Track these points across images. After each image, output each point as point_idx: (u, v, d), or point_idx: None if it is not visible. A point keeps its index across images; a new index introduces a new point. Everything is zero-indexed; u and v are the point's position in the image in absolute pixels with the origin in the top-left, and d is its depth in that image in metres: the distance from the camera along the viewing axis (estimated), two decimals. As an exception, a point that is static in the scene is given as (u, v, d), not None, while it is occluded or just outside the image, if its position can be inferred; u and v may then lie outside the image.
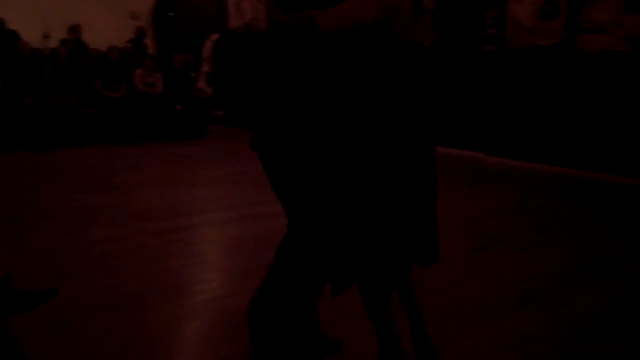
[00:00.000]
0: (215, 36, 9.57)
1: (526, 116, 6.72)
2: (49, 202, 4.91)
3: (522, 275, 3.40)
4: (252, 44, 9.22)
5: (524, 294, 3.13)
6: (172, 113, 8.74)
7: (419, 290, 2.20)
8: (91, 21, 9.57)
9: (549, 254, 3.79)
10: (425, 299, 2.27)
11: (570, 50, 6.30)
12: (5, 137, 7.41)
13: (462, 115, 7.28)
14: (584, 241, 4.09)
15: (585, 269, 3.55)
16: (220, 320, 2.81)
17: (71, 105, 7.99)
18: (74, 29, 9.39)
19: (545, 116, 6.55)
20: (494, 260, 3.68)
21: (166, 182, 5.81)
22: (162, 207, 4.79)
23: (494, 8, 6.92)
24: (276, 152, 2.06)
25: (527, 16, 6.62)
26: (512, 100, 6.85)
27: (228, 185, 5.71)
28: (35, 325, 2.56)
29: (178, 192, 5.33)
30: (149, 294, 3.02)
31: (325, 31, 1.82)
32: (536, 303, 3.04)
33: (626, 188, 5.76)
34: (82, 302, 2.89)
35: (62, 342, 2.52)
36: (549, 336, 2.67)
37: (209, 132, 9.20)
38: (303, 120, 2.00)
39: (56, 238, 3.96)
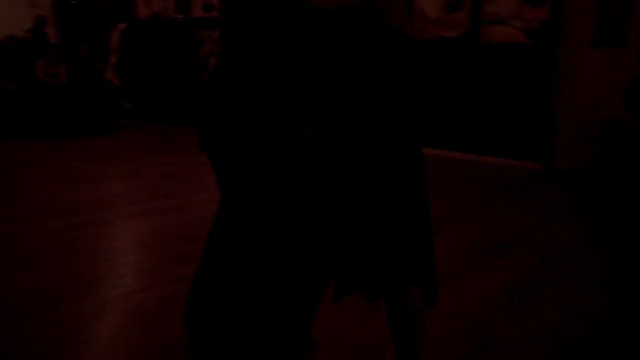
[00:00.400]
0: (122, 26, 9.25)
1: (433, 105, 6.93)
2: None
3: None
4: (161, 34, 8.98)
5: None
6: (79, 106, 8.38)
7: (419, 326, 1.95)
8: (-15, 9, 9.04)
9: (453, 237, 3.95)
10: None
11: (473, 42, 6.55)
12: None
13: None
14: (484, 224, 4.28)
15: (487, 250, 3.72)
16: (134, 314, 2.74)
17: (-33, 99, 7.50)
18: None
19: (451, 105, 6.79)
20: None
21: (72, 177, 5.56)
22: (67, 203, 4.59)
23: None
24: (233, 154, 1.83)
25: (433, 8, 6.81)
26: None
27: (137, 180, 5.55)
28: None
29: (85, 188, 5.12)
30: (58, 292, 2.90)
31: (316, 11, 1.67)
32: (441, 286, 3.15)
33: (526, 171, 6.09)
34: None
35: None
36: (457, 316, 2.78)
37: (119, 125, 8.91)
38: (270, 119, 1.77)
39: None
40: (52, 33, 10.24)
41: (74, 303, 2.80)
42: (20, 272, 3.16)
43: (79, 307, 2.76)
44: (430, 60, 6.88)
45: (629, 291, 3.16)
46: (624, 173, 5.02)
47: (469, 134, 6.70)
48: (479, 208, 4.75)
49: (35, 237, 3.71)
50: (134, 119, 9.34)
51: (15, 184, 5.25)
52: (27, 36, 9.16)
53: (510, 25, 6.30)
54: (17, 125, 7.84)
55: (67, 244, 3.64)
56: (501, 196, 5.16)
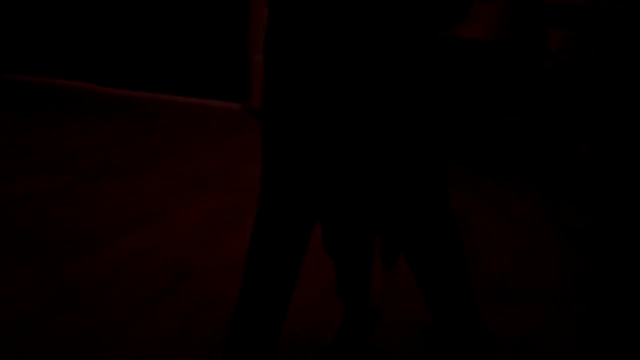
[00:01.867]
0: None
1: (135, 46, 6.70)
2: None
3: (139, 198, 3.51)
4: None
5: (139, 215, 3.24)
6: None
7: None
8: None
9: (156, 176, 3.97)
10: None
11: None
12: None
13: (69, 44, 6.89)
14: (187, 164, 4.38)
15: (190, 187, 3.82)
16: None
17: None
18: None
19: (146, 44, 6.64)
20: (109, 188, 3.68)
21: None
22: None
23: None
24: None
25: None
26: (118, 30, 6.73)
27: None
28: None
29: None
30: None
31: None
32: (147, 224, 3.17)
33: (228, 111, 6.33)
34: None
35: None
36: (161, 250, 2.83)
37: None
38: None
39: None
40: None
41: None
42: None
43: None
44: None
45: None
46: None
47: (169, 75, 6.66)
48: (184, 147, 4.80)
49: None
50: None
51: None
52: None
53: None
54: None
55: None
56: (205, 135, 5.28)
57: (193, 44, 6.54)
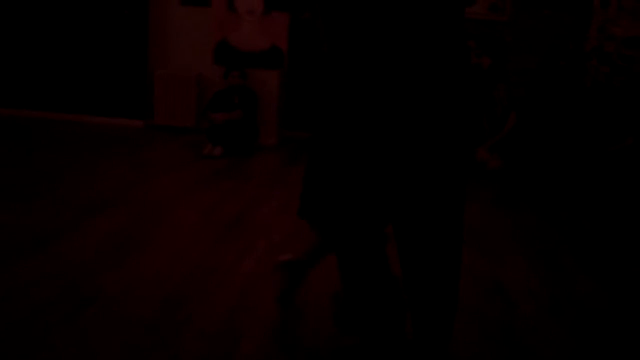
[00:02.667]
0: None
1: (24, 63, 6.38)
2: None
3: (34, 221, 3.33)
4: None
5: (35, 239, 3.07)
6: None
7: None
8: None
9: (55, 198, 3.79)
10: None
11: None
12: None
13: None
14: (86, 182, 4.22)
15: (89, 208, 3.68)
16: None
17: None
18: None
19: (41, 61, 6.35)
20: (12, 212, 3.47)
21: None
22: None
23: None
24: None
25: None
26: (6, 46, 6.39)
27: None
28: None
29: None
30: None
31: None
32: (44, 249, 3.01)
33: (129, 129, 6.15)
34: None
35: None
36: (62, 275, 2.69)
37: None
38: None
39: None
40: None
41: None
42: None
43: None
44: (18, 11, 6.27)
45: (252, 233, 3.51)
46: (216, 125, 5.47)
47: (67, 93, 6.39)
48: (83, 167, 4.61)
49: None
50: None
51: None
52: None
53: (100, -21, 6.15)
54: None
55: None
56: (105, 154, 5.10)
57: (91, 61, 6.31)
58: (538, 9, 5.87)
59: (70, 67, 6.33)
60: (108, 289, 2.60)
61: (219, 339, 2.27)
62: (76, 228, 3.31)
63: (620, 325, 2.67)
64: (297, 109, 6.35)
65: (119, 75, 6.32)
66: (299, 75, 6.25)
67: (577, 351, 2.41)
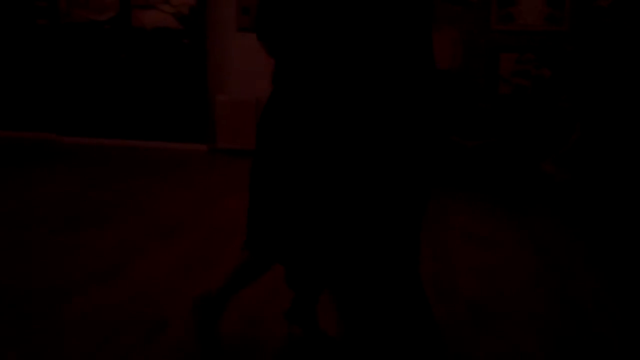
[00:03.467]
0: None
1: (93, 93, 6.65)
2: None
3: (106, 248, 3.44)
4: None
5: (108, 265, 3.17)
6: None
7: None
8: None
9: (123, 224, 3.92)
10: None
11: (126, 26, 6.45)
12: None
13: (25, 95, 6.80)
14: (157, 206, 4.35)
15: (160, 233, 3.78)
16: None
17: None
18: None
19: (105, 91, 6.60)
20: (75, 240, 3.61)
21: None
22: None
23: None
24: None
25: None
26: (75, 78, 6.67)
27: None
28: None
29: None
30: None
31: None
32: (116, 274, 3.12)
33: (193, 153, 6.31)
34: None
35: None
36: (134, 300, 2.77)
37: None
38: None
39: None
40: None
41: None
42: None
43: None
44: (81, 45, 6.56)
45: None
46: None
47: (131, 121, 6.61)
48: (152, 192, 4.76)
49: None
50: None
51: None
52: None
53: (160, 10, 6.37)
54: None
55: None
56: (172, 178, 5.24)
57: (153, 88, 6.53)
58: (598, 17, 5.73)
59: (137, 96, 6.56)
60: (180, 312, 2.66)
61: None
62: (147, 252, 3.41)
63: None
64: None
65: (182, 102, 6.50)
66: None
67: None
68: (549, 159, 5.37)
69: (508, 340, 2.49)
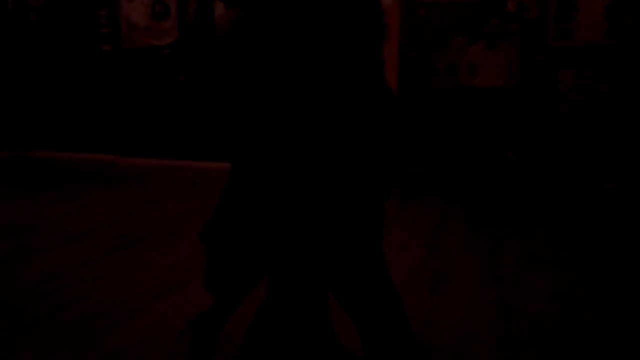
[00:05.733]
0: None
1: (152, 115, 6.85)
2: None
3: (166, 265, 3.51)
4: None
5: (169, 282, 3.23)
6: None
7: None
8: None
9: (182, 242, 3.98)
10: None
11: (183, 50, 6.65)
12: None
13: (87, 117, 7.06)
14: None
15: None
16: None
17: None
18: None
19: (167, 114, 6.78)
20: (134, 259, 3.69)
21: None
22: None
23: (105, 7, 6.84)
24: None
25: (139, 16, 6.71)
26: (135, 100, 6.89)
27: None
28: None
29: None
30: None
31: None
32: (177, 291, 3.17)
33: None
34: None
35: None
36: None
37: None
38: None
39: None
40: None
41: None
42: None
43: None
44: (141, 68, 6.78)
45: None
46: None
47: (188, 141, 6.77)
48: (208, 212, 4.83)
49: None
50: None
51: None
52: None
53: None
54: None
55: None
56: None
57: (210, 109, 6.68)
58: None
59: (194, 117, 6.72)
60: (242, 327, 2.68)
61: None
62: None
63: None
64: (410, 147, 6.34)
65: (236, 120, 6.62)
66: (410, 113, 6.27)
67: None
68: (609, 176, 5.21)
69: (574, 364, 2.41)
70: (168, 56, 6.69)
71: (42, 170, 6.54)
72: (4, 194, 5.52)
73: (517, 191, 5.51)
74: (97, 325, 2.76)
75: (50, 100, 7.22)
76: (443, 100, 5.99)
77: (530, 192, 5.46)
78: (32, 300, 3.01)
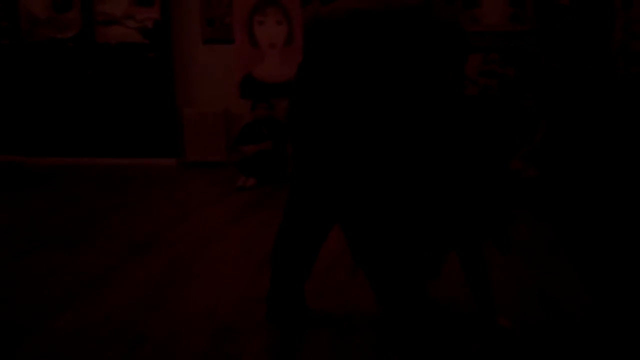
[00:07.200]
0: None
1: (56, 112, 6.55)
2: None
3: (80, 267, 3.38)
4: None
5: (83, 284, 3.11)
6: None
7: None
8: None
9: (96, 242, 3.86)
10: None
11: (89, 42, 6.38)
12: None
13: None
14: (131, 222, 4.28)
15: (136, 248, 3.72)
16: None
17: None
18: None
19: (73, 109, 6.51)
20: (47, 261, 3.53)
21: None
22: None
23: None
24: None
25: (40, 9, 6.39)
26: (41, 97, 6.57)
27: None
28: None
29: None
30: None
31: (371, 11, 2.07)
32: (92, 292, 3.05)
33: (162, 167, 6.24)
34: None
35: None
36: (112, 316, 2.71)
37: None
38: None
39: None
40: None
41: None
42: None
43: None
44: (46, 62, 6.46)
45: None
46: (247, 158, 5.53)
47: (99, 138, 6.52)
48: (124, 209, 4.69)
49: None
50: None
51: None
52: None
53: (124, 25, 6.31)
54: None
55: None
56: (143, 194, 5.18)
57: (120, 104, 6.45)
58: (560, 16, 5.83)
59: (104, 113, 6.48)
60: (157, 327, 2.62)
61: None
62: (123, 269, 3.35)
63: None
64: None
65: (150, 116, 6.44)
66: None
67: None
68: (516, 155, 5.42)
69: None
70: (72, 49, 6.40)
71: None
72: None
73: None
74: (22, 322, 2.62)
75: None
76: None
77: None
78: None
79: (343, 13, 2.17)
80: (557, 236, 3.89)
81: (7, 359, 2.38)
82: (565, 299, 2.86)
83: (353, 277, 3.11)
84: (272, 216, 4.42)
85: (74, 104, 6.50)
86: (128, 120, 6.47)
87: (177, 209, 4.66)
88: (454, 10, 2.45)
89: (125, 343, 2.47)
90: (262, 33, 5.99)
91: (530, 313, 2.70)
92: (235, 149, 5.76)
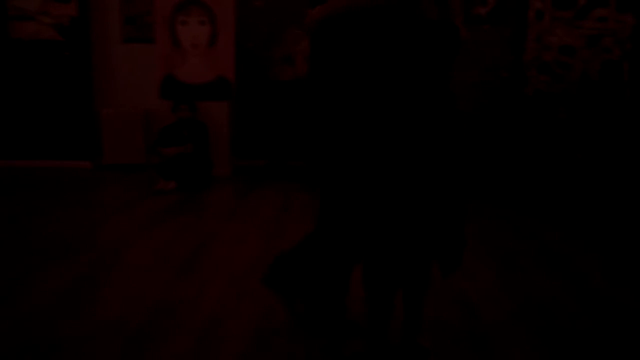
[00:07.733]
0: None
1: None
2: None
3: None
4: None
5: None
6: None
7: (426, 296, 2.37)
8: None
9: (5, 248, 3.68)
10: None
11: (3, 38, 6.08)
12: None
13: None
14: (44, 229, 4.11)
15: (55, 253, 3.58)
16: None
17: None
18: None
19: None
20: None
21: None
22: None
23: None
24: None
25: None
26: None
27: None
28: None
29: None
30: None
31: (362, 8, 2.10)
32: (2, 301, 2.91)
33: (77, 170, 6.03)
34: None
35: None
36: (22, 322, 2.60)
37: None
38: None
39: None
40: None
41: None
42: None
43: None
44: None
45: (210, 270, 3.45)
46: (167, 160, 5.41)
47: (10, 139, 6.23)
48: (36, 213, 4.49)
49: None
50: None
51: None
52: None
53: (38, 22, 6.05)
54: None
55: None
56: (57, 198, 4.98)
57: (33, 103, 6.18)
58: (477, 24, 6.04)
59: (16, 112, 6.19)
60: (69, 337, 2.52)
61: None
62: (33, 276, 3.20)
63: (587, 328, 2.73)
64: (249, 138, 6.35)
65: (66, 117, 6.21)
66: (248, 104, 6.27)
67: (546, 357, 2.45)
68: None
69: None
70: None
71: None
72: None
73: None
74: None
75: None
76: (281, 92, 6.04)
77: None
78: None
79: (335, 13, 2.24)
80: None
81: None
82: (476, 292, 2.96)
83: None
84: (190, 221, 4.36)
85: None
86: (41, 121, 6.21)
87: (92, 213, 4.51)
88: (445, 6, 2.30)
89: (34, 355, 2.37)
90: (185, 33, 5.90)
91: (449, 311, 2.78)
92: (155, 152, 5.64)
